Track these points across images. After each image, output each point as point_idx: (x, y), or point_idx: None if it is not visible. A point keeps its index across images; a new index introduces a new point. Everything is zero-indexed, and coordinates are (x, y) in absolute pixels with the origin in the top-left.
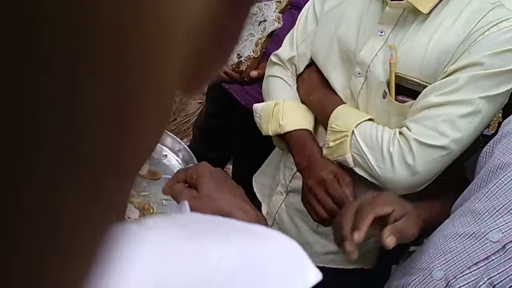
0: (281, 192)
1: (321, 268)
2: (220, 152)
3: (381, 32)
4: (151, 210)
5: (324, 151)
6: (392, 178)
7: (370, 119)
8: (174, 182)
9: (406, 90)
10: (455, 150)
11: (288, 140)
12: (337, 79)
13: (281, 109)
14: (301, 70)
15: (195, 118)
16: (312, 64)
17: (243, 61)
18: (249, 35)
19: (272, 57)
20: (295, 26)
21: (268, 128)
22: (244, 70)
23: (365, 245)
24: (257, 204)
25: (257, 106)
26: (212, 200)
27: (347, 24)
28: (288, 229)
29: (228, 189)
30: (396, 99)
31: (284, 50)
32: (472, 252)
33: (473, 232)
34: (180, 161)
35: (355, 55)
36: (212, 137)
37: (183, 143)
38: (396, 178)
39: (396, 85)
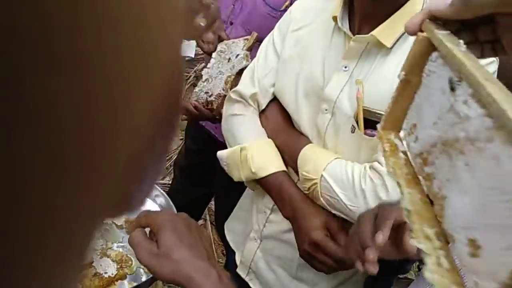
0: (255, 239)
1: None
2: (202, 189)
3: (345, 67)
4: (130, 262)
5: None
6: None
7: (337, 158)
8: (136, 226)
9: (374, 123)
10: None
11: (264, 185)
12: (303, 117)
13: (249, 155)
14: (264, 106)
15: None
16: (274, 99)
17: (213, 99)
18: (219, 73)
19: (232, 94)
20: (255, 62)
21: (241, 175)
22: (215, 108)
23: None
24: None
25: (222, 154)
26: (171, 260)
27: (311, 61)
28: (265, 277)
29: (190, 245)
30: (365, 133)
31: (245, 86)
32: None
33: None
34: (158, 207)
35: (323, 90)
36: (193, 174)
37: (159, 189)
38: None
39: (365, 119)
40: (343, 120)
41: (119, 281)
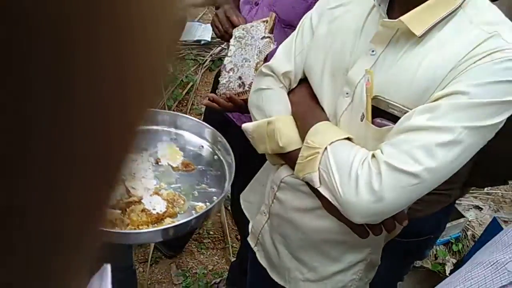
0: (264, 213)
1: None
2: None
3: (372, 51)
4: (181, 202)
5: (296, 168)
6: (354, 202)
7: (348, 138)
8: None
9: (386, 113)
10: (427, 180)
11: (290, 160)
12: (324, 97)
13: (277, 128)
14: (295, 85)
15: None
16: (305, 79)
17: (247, 89)
18: (244, 61)
19: (263, 68)
20: (292, 38)
21: (267, 148)
22: (248, 97)
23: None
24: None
25: (247, 127)
26: None
27: (342, 40)
28: (269, 251)
29: None
30: (374, 122)
31: (279, 63)
32: (489, 280)
33: (496, 261)
34: (217, 153)
35: (347, 73)
36: None
37: (220, 136)
38: (358, 203)
39: (376, 108)
40: (358, 107)
41: (169, 218)
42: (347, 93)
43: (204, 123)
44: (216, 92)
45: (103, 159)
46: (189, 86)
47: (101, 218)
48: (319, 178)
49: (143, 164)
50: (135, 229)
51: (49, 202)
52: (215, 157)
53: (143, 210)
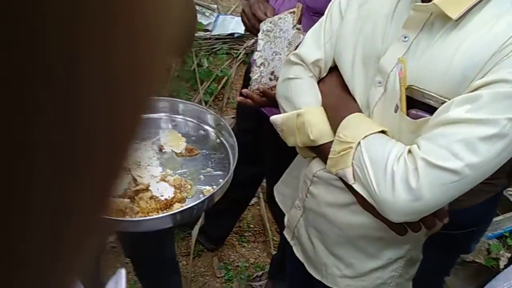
0: (298, 207)
1: None
2: (255, 168)
3: (405, 37)
4: (189, 187)
5: (327, 163)
6: (391, 201)
7: (382, 131)
8: None
9: (422, 104)
10: (469, 177)
11: (321, 153)
12: (356, 87)
13: (307, 121)
14: (325, 73)
15: None
16: (335, 67)
17: (275, 84)
18: (274, 54)
19: (292, 57)
20: (321, 24)
21: (297, 141)
22: None
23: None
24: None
25: (276, 119)
26: None
27: (373, 25)
28: (305, 245)
29: None
30: (409, 114)
31: (308, 51)
32: None
33: None
34: (220, 137)
35: (379, 60)
36: (245, 153)
37: (222, 120)
38: (395, 201)
39: (411, 98)
40: (392, 97)
41: (178, 204)
42: (379, 83)
43: (204, 108)
44: (249, 88)
45: (108, 148)
46: (224, 80)
47: (105, 212)
48: (353, 174)
49: (147, 152)
50: (145, 216)
51: (52, 199)
52: (218, 140)
53: (151, 197)
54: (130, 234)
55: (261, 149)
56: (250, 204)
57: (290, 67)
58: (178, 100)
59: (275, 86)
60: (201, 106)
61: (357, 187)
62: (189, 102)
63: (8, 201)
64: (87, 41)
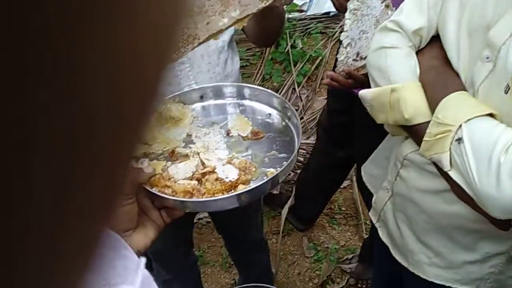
0: (387, 189)
1: (423, 281)
2: (346, 151)
3: None
4: (253, 169)
5: (421, 145)
6: (494, 196)
7: (490, 114)
8: None
9: None
10: None
11: (414, 133)
12: (460, 61)
13: (402, 97)
14: (426, 43)
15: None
16: (437, 37)
17: (365, 63)
18: (361, 33)
19: (389, 24)
20: None
21: (388, 118)
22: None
23: None
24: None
25: (365, 94)
26: None
27: None
28: (391, 230)
29: None
30: None
31: (410, 18)
32: None
33: None
34: (285, 120)
35: (488, 32)
36: (336, 135)
37: (287, 103)
38: (499, 197)
39: None
40: (502, 76)
41: (242, 185)
42: (487, 58)
43: (270, 91)
44: (335, 70)
45: (112, 146)
46: (318, 60)
47: (112, 205)
48: (450, 161)
49: (215, 137)
50: (210, 197)
51: (54, 190)
52: (283, 123)
53: (217, 179)
54: (221, 213)
55: (352, 131)
56: (342, 186)
57: (386, 34)
58: (245, 84)
59: (361, 67)
60: (266, 89)
61: (453, 175)
62: (255, 86)
63: (8, 201)
64: (89, 40)
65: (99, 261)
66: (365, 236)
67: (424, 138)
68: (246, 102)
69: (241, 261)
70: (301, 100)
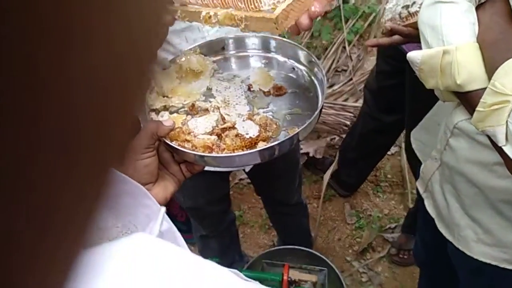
0: (435, 158)
1: (470, 259)
2: (394, 116)
3: None
4: (274, 126)
5: (474, 116)
6: None
7: None
8: None
9: None
10: None
11: (468, 101)
12: None
13: (455, 61)
14: None
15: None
16: None
17: (417, 9)
18: None
19: None
20: None
21: (439, 83)
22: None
23: None
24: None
25: (415, 56)
26: None
27: None
28: (438, 202)
29: None
30: None
31: None
32: None
33: None
34: (309, 74)
35: None
36: (385, 99)
37: (313, 57)
38: None
39: None
40: None
41: (262, 142)
42: None
43: (296, 43)
44: (381, 19)
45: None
46: (371, 17)
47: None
48: (506, 135)
49: (236, 91)
50: (230, 153)
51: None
52: (307, 78)
53: (237, 135)
54: (259, 176)
55: (403, 94)
56: (390, 153)
57: None
58: (269, 36)
59: (411, 14)
60: (292, 42)
61: (508, 150)
62: (280, 38)
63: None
64: (66, 40)
65: (115, 203)
66: (411, 206)
67: (478, 108)
68: (270, 55)
69: (280, 223)
70: (351, 60)
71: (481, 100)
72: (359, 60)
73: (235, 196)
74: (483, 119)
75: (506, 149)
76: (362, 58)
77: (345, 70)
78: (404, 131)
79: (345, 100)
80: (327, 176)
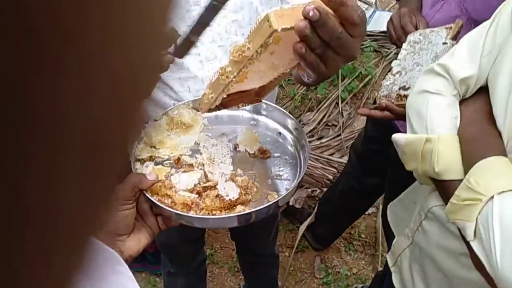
0: (408, 236)
1: None
2: (375, 179)
3: None
4: (254, 189)
5: (447, 206)
6: None
7: None
8: None
9: None
10: None
11: (442, 188)
12: (507, 119)
13: (435, 150)
14: (472, 93)
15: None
16: (485, 88)
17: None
18: (415, 65)
19: (436, 67)
20: (482, 34)
21: (418, 168)
22: None
23: None
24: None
25: (399, 139)
26: None
27: None
28: (405, 278)
29: None
30: None
31: (459, 64)
32: None
33: None
34: (296, 143)
35: None
36: (368, 162)
37: (299, 126)
38: None
39: None
40: None
41: (241, 206)
42: None
43: (284, 110)
44: (377, 94)
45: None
46: (367, 79)
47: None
48: (475, 231)
49: (222, 150)
50: (208, 214)
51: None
52: (292, 145)
53: (217, 196)
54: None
55: (385, 161)
56: (367, 213)
57: (432, 78)
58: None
59: (405, 96)
60: (280, 108)
61: (475, 246)
62: (271, 103)
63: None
64: (63, 65)
65: (91, 271)
66: (380, 269)
67: (451, 200)
68: (260, 118)
69: (249, 270)
70: (342, 117)
71: (456, 193)
72: (349, 117)
73: (210, 233)
74: (455, 211)
75: (473, 244)
76: (353, 117)
77: (335, 125)
78: (383, 194)
79: (331, 154)
80: (303, 227)
